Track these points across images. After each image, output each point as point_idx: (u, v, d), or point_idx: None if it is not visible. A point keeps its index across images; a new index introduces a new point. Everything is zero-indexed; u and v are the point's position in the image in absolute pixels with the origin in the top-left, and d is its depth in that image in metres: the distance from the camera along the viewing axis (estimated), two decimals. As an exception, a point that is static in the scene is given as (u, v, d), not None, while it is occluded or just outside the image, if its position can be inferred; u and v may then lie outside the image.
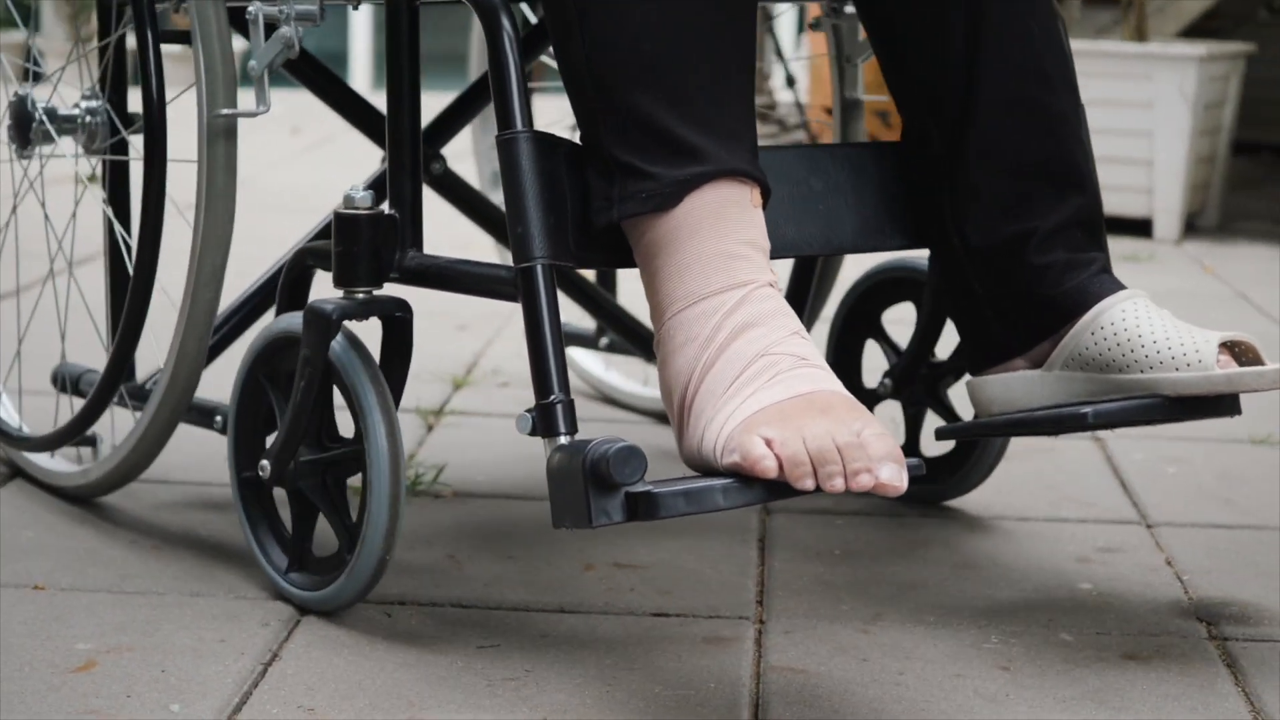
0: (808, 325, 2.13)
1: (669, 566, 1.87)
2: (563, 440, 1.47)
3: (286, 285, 1.78)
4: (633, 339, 2.37)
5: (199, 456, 2.19)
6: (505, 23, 1.56)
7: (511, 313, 3.15)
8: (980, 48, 1.72)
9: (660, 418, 2.47)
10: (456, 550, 1.90)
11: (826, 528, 2.01)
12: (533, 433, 1.48)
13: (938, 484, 2.06)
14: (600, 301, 2.36)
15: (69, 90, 1.99)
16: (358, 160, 5.08)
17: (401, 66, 1.72)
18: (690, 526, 1.99)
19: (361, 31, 8.66)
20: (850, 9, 2.15)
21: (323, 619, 1.69)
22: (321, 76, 2.08)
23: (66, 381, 2.11)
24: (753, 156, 1.57)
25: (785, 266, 2.07)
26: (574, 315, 2.49)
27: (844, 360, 2.15)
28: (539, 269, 1.51)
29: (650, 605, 1.75)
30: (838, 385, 1.51)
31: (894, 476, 1.43)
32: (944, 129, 1.75)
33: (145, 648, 1.61)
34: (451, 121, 2.19)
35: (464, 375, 2.70)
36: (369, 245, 1.69)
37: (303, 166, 4.98)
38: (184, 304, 1.83)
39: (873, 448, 1.44)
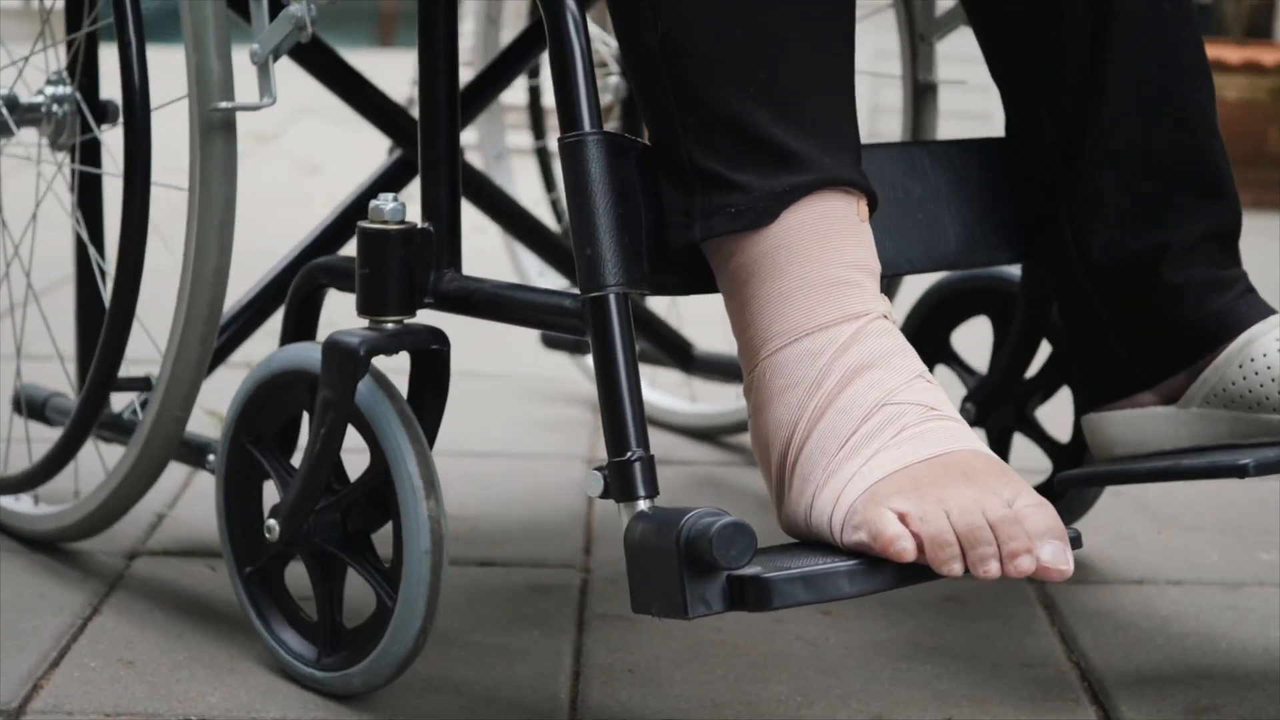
0: None
1: (500, 518, 1.87)
2: (642, 506, 1.23)
3: (294, 308, 1.51)
4: (665, 348, 2.14)
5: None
6: (570, 2, 1.30)
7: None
8: (1105, 27, 1.48)
9: (705, 438, 2.24)
10: (287, 506, 1.90)
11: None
12: (604, 495, 1.24)
13: None
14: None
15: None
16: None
17: (436, 55, 1.45)
18: (523, 478, 2.00)
19: None
20: None
21: (145, 574, 1.68)
22: (333, 64, 1.78)
23: (26, 406, 1.80)
24: (857, 160, 1.34)
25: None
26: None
27: None
28: (612, 299, 1.26)
29: (478, 555, 1.75)
30: (979, 443, 1.29)
31: (1058, 558, 1.21)
32: (1060, 124, 1.51)
33: (-39, 603, 1.60)
34: (472, 101, 1.90)
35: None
36: (400, 266, 1.42)
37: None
38: (169, 347, 1.55)
39: (1030, 522, 1.22)
